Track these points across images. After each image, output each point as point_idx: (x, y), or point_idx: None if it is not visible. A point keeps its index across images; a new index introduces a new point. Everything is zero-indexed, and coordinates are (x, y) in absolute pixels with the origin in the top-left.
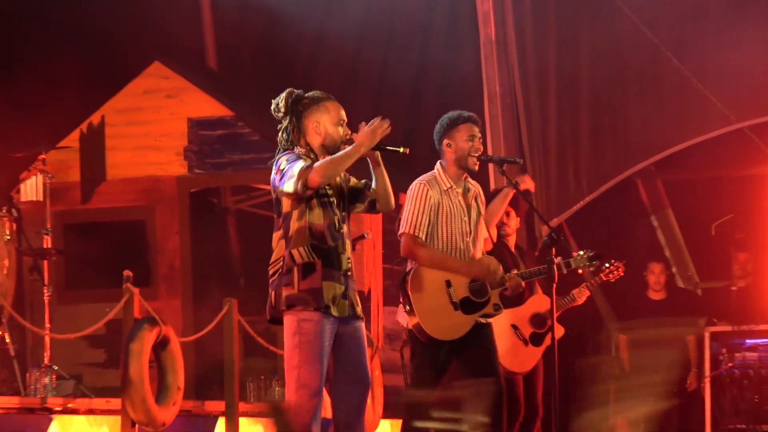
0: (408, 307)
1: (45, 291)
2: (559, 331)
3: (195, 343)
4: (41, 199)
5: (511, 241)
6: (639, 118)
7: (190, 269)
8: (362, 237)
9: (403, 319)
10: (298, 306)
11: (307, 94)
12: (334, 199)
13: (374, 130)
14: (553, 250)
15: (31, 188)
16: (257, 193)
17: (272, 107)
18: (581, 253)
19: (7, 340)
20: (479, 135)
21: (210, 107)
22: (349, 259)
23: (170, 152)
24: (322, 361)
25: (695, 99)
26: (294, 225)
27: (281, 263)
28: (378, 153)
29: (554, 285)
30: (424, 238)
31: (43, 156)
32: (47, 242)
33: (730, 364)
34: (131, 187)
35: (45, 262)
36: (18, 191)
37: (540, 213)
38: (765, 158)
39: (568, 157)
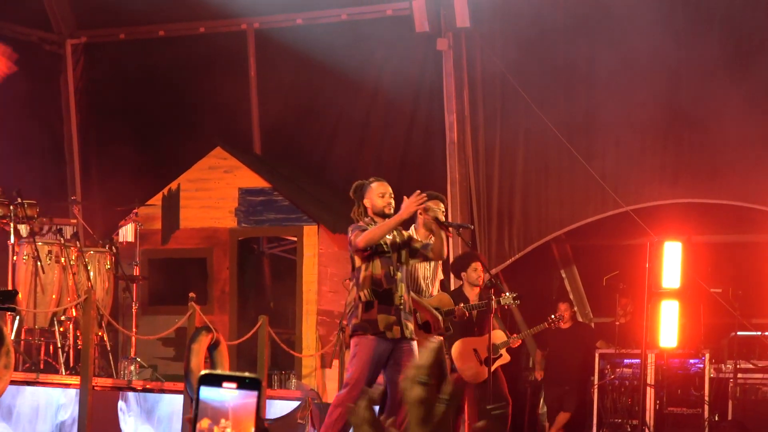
0: None
1: (133, 305)
2: (505, 357)
3: (237, 346)
4: (133, 240)
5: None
6: (555, 200)
7: (236, 293)
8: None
9: None
10: (359, 331)
11: (364, 182)
12: (391, 255)
13: (410, 203)
14: (492, 290)
15: (127, 232)
16: (285, 242)
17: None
18: (508, 294)
19: (105, 339)
20: (443, 209)
21: (254, 180)
22: (401, 296)
23: (225, 211)
24: (368, 371)
25: (596, 188)
26: (361, 275)
27: (352, 303)
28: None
29: (491, 315)
30: None
31: (136, 210)
32: (136, 271)
33: (612, 376)
34: (197, 234)
35: (134, 285)
36: (117, 234)
37: (484, 264)
38: (643, 232)
39: (504, 226)
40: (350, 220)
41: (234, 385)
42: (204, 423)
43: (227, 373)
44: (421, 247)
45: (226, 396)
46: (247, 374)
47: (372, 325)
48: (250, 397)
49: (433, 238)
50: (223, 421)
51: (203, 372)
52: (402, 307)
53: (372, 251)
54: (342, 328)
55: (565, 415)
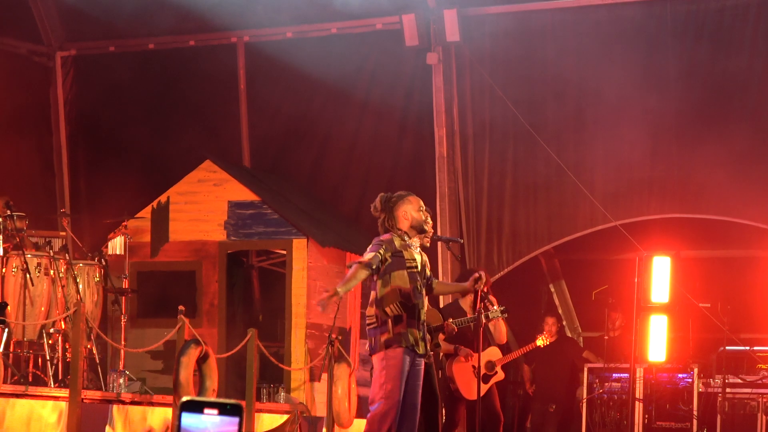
0: None
1: (122, 318)
2: (501, 375)
3: (226, 360)
4: (122, 253)
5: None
6: (544, 214)
7: (225, 306)
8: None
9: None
10: (393, 345)
11: (394, 195)
12: (417, 270)
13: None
14: (480, 305)
15: (116, 245)
16: (274, 256)
17: (371, 208)
18: (496, 307)
19: (94, 351)
20: (431, 222)
21: (244, 194)
22: (424, 313)
23: (214, 224)
24: (401, 382)
25: (584, 203)
26: (382, 290)
27: (375, 319)
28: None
29: (481, 330)
30: None
31: (125, 223)
32: (125, 284)
33: (600, 391)
34: (186, 247)
35: (123, 298)
36: (106, 247)
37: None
38: (632, 247)
39: (493, 240)
40: (339, 233)
41: (215, 411)
42: None
43: (209, 399)
44: (429, 281)
45: (208, 423)
46: (228, 400)
47: (405, 338)
48: (231, 425)
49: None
50: None
51: (184, 399)
52: (424, 323)
53: (395, 262)
54: (331, 342)
55: None
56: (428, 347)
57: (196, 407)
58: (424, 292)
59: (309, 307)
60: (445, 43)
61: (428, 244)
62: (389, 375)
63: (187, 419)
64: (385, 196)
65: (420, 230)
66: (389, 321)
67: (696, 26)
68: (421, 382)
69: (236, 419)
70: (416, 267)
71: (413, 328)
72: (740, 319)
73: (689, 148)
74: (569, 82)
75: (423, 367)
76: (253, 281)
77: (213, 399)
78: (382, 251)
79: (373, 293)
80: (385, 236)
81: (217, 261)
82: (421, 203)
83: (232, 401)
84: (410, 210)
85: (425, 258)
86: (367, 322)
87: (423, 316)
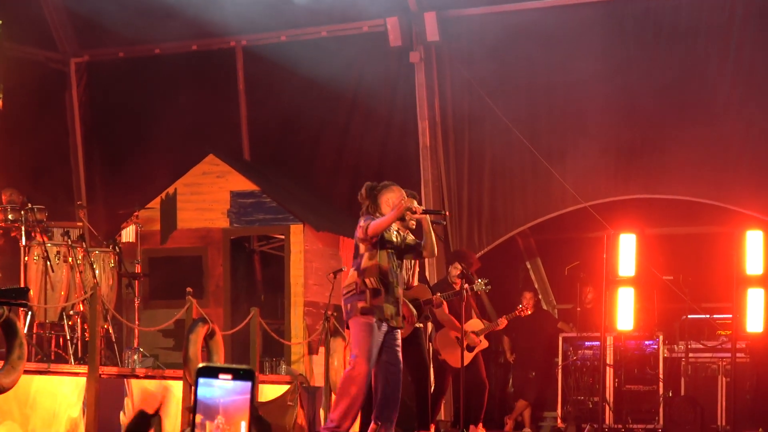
0: None
1: (135, 300)
2: (485, 344)
3: (231, 336)
4: (135, 240)
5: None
6: (520, 197)
7: (229, 288)
8: (340, 270)
9: None
10: (369, 314)
11: (379, 185)
12: (394, 252)
13: (406, 206)
14: (464, 280)
15: (129, 233)
16: (274, 240)
17: (359, 196)
18: (479, 281)
19: (110, 331)
20: (417, 206)
21: (244, 184)
22: (398, 289)
23: (218, 212)
24: (374, 349)
25: (557, 186)
26: (367, 262)
27: (354, 287)
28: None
29: (464, 303)
30: None
31: (137, 213)
32: (138, 269)
33: (574, 358)
34: (193, 234)
35: (136, 282)
36: (120, 235)
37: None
38: (601, 226)
39: (474, 222)
40: (332, 219)
41: (229, 376)
42: (197, 418)
43: (223, 366)
44: (415, 245)
45: (217, 393)
46: (241, 366)
47: (380, 310)
48: (241, 393)
49: (425, 237)
50: (218, 417)
51: (201, 365)
52: (398, 299)
53: (378, 241)
54: (327, 318)
55: (524, 403)
56: (400, 321)
57: (211, 373)
58: (400, 271)
59: (306, 286)
60: (426, 43)
61: (413, 227)
62: (359, 341)
63: (204, 384)
64: (370, 185)
65: (399, 218)
66: (368, 292)
67: (653, 22)
68: (399, 350)
69: (249, 383)
70: (393, 249)
71: (389, 303)
72: (700, 290)
73: (651, 134)
74: (540, 75)
75: (399, 336)
76: (255, 264)
77: (227, 365)
78: None
79: (355, 263)
80: (365, 217)
81: (221, 246)
82: (404, 193)
83: (245, 366)
84: (392, 198)
85: (409, 237)
86: (345, 290)
87: (398, 294)
